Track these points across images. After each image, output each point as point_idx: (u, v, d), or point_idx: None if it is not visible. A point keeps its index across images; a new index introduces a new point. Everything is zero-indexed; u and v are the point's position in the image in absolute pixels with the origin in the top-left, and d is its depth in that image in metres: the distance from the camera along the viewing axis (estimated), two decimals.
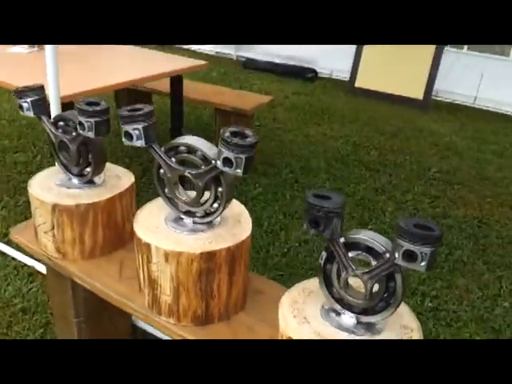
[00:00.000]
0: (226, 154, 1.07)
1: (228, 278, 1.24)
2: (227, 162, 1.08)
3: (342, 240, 1.05)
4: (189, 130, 3.05)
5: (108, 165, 1.54)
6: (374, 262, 1.03)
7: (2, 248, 2.26)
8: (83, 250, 1.48)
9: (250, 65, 6.02)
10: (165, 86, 2.74)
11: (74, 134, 1.42)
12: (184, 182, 1.25)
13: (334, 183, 3.19)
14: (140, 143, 1.18)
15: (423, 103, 4.85)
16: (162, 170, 1.26)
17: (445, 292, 2.23)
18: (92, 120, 1.29)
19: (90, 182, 1.51)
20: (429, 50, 4.76)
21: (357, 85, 5.19)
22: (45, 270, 2.10)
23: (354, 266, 1.04)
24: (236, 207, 1.36)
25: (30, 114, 1.45)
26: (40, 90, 1.45)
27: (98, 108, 1.29)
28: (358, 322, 1.08)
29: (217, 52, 6.61)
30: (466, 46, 4.89)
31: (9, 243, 2.28)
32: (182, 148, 1.21)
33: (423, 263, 0.92)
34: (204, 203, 1.24)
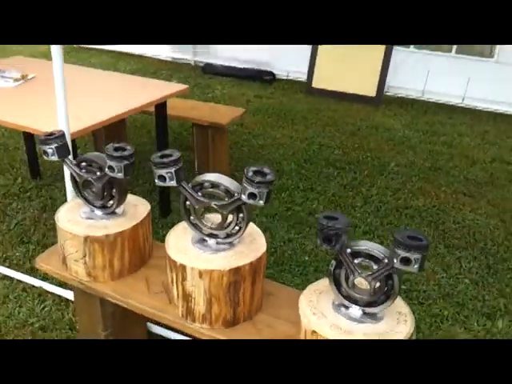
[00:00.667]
0: (251, 189, 1.31)
1: (251, 287, 1.49)
2: (252, 195, 1.33)
3: (348, 251, 1.32)
4: (171, 146, 3.22)
5: None
6: (375, 266, 1.31)
7: (8, 272, 2.38)
8: (112, 273, 1.68)
9: (209, 70, 6.20)
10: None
11: (98, 173, 1.61)
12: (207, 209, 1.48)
13: (305, 183, 3.47)
14: (172, 183, 1.40)
15: (376, 99, 5.23)
16: (188, 202, 1.48)
17: (414, 275, 2.57)
18: (121, 164, 1.49)
19: (113, 213, 1.70)
20: (379, 49, 5.14)
21: (314, 85, 5.50)
22: (52, 289, 2.28)
23: (359, 270, 1.32)
24: (249, 227, 1.60)
25: (55, 158, 1.62)
26: (62, 136, 1.63)
27: (126, 153, 1.50)
28: (364, 313, 1.36)
29: (174, 58, 6.73)
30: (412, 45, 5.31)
31: (11, 267, 2.41)
32: (207, 184, 1.44)
33: (416, 266, 1.21)
34: (227, 227, 1.48)
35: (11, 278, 2.35)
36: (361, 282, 1.35)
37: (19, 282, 2.33)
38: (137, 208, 1.76)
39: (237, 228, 1.47)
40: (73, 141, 2.07)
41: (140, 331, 2.02)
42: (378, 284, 1.31)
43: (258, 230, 1.60)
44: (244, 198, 1.34)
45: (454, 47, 5.17)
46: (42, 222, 2.81)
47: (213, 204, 1.43)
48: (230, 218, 1.46)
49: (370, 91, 5.26)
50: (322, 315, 1.35)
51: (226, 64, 6.20)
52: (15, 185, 3.23)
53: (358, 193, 3.37)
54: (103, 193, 1.65)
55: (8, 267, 2.42)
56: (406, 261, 1.22)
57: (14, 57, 3.37)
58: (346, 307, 1.38)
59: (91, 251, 1.62)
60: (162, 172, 1.38)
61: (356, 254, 1.32)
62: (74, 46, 7.26)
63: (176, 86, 2.78)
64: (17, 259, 2.49)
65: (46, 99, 2.20)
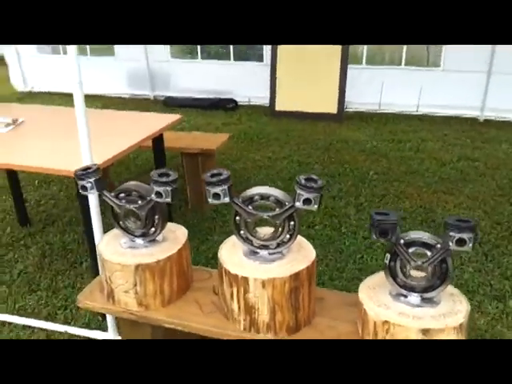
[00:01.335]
0: (306, 195, 1.39)
1: (308, 291, 1.55)
2: (307, 201, 1.41)
3: (402, 241, 1.42)
4: None
5: None
6: (429, 253, 1.41)
7: (27, 322, 2.29)
8: (163, 299, 1.68)
9: (171, 102, 6.27)
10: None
11: (140, 202, 1.63)
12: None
13: None
14: (226, 200, 1.46)
15: (338, 116, 5.50)
16: (237, 217, 1.53)
17: None
18: (169, 188, 1.53)
19: (154, 241, 1.72)
20: (335, 67, 5.44)
21: (277, 108, 5.71)
22: (78, 332, 2.22)
23: (415, 259, 1.42)
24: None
25: (94, 192, 1.63)
26: (98, 170, 1.65)
27: (171, 178, 1.54)
28: (422, 299, 1.45)
29: (132, 94, 6.76)
30: (364, 62, 5.66)
31: (27, 315, 2.32)
32: (257, 197, 1.50)
33: (470, 245, 1.33)
34: (279, 236, 1.54)
35: (31, 328, 2.26)
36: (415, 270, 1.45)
37: (41, 329, 2.25)
38: (175, 233, 1.79)
39: (288, 236, 1.54)
40: None
41: None
42: (433, 269, 1.42)
43: (301, 237, 1.68)
44: (299, 204, 1.42)
45: (403, 60, 5.57)
46: (45, 268, 2.72)
47: (265, 216, 1.49)
48: (281, 227, 1.52)
49: (332, 108, 5.53)
50: (385, 306, 1.44)
51: (186, 95, 6.31)
52: (5, 235, 3.11)
53: (348, 202, 3.52)
54: (146, 221, 1.66)
55: (25, 317, 2.33)
56: (460, 242, 1.33)
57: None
58: (405, 296, 1.47)
59: (142, 280, 1.62)
60: (217, 190, 1.44)
61: (410, 244, 1.43)
62: (27, 91, 7.13)
63: (169, 117, 2.83)
64: (31, 308, 2.40)
65: (43, 139, 2.20)
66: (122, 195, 1.67)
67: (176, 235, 1.77)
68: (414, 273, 1.47)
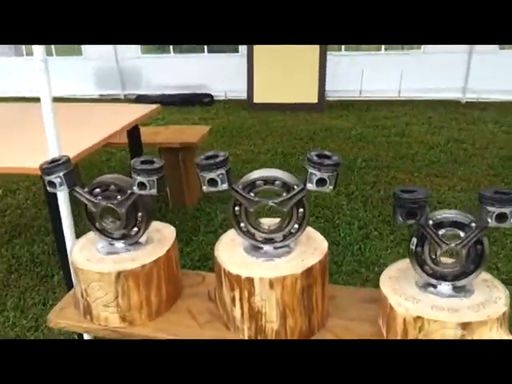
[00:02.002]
0: (320, 175, 1.18)
1: (321, 289, 1.34)
2: (321, 182, 1.19)
3: (430, 223, 1.23)
4: None
5: None
6: (462, 234, 1.22)
7: None
8: (151, 312, 1.44)
9: (143, 100, 5.98)
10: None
11: (119, 197, 1.39)
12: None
13: None
14: (224, 187, 1.23)
15: (319, 105, 5.33)
16: (237, 208, 1.31)
17: None
18: (154, 178, 1.29)
19: (137, 243, 1.48)
20: (314, 56, 5.26)
21: (256, 101, 5.50)
22: None
23: (447, 242, 1.22)
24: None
25: (64, 189, 1.38)
26: (68, 161, 1.40)
27: (156, 165, 1.30)
28: (454, 288, 1.26)
29: (102, 95, 6.44)
30: (343, 48, 5.51)
31: None
32: (259, 182, 1.28)
33: (511, 220, 1.14)
34: (286, 227, 1.32)
35: None
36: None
37: None
38: (161, 232, 1.55)
39: (296, 226, 1.32)
40: None
41: None
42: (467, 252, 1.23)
43: (308, 226, 1.47)
44: (311, 186, 1.21)
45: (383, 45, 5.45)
46: (12, 285, 2.44)
47: (271, 203, 1.28)
48: (288, 216, 1.31)
49: (313, 98, 5.35)
50: (414, 300, 1.24)
51: (160, 93, 6.03)
52: None
53: (339, 192, 3.34)
54: (127, 219, 1.42)
55: None
56: (501, 217, 1.15)
57: None
58: (434, 286, 1.27)
59: (125, 290, 1.38)
60: (213, 175, 1.21)
61: (439, 225, 1.23)
62: None
63: (145, 107, 2.58)
64: None
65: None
66: (98, 191, 1.42)
67: (162, 235, 1.54)
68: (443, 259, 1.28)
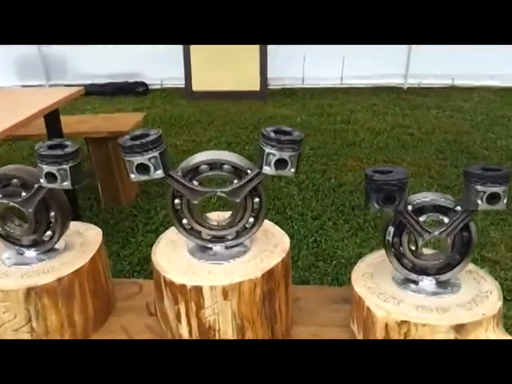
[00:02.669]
0: (279, 155, 0.95)
1: (285, 293, 1.12)
2: (280, 163, 0.96)
3: (409, 208, 1.03)
4: None
5: None
6: (445, 219, 1.04)
7: None
8: (75, 334, 1.15)
9: None
10: (32, 129, 2.29)
11: (24, 194, 1.09)
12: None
13: None
14: (159, 174, 0.97)
15: (261, 93, 5.12)
16: (177, 201, 1.05)
17: (381, 247, 2.41)
18: (66, 166, 1.00)
19: (52, 250, 1.18)
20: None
21: (194, 89, 5.19)
22: None
23: (429, 230, 1.04)
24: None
25: None
26: None
27: (69, 150, 1.01)
28: (438, 283, 1.08)
29: (23, 85, 5.85)
30: None
31: None
32: (203, 167, 1.03)
33: (505, 201, 0.97)
34: (239, 221, 1.08)
35: None
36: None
37: None
38: (83, 235, 1.26)
39: (251, 220, 1.08)
40: None
41: None
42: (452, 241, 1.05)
43: (266, 220, 1.23)
44: (268, 169, 0.98)
45: None
46: None
47: (219, 192, 1.03)
48: (242, 208, 1.07)
49: (254, 86, 5.13)
50: (395, 300, 1.04)
51: (89, 82, 5.56)
52: None
53: (288, 182, 3.15)
54: (36, 222, 1.12)
55: None
56: (492, 198, 0.97)
57: None
58: (415, 282, 1.09)
59: (39, 310, 1.08)
60: (143, 159, 0.94)
61: (419, 211, 1.04)
62: None
63: (66, 90, 2.23)
64: None
65: None
66: None
67: (85, 238, 1.24)
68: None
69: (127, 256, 2.47)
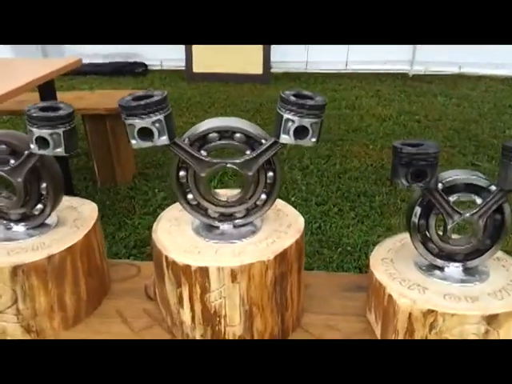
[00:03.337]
0: (300, 121, 0.85)
1: (297, 278, 1.02)
2: (301, 131, 0.86)
3: (440, 186, 0.93)
4: None
5: None
6: (478, 200, 0.94)
7: None
8: (66, 318, 1.06)
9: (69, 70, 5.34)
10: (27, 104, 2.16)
11: (12, 161, 0.98)
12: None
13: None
14: (163, 140, 0.86)
15: (264, 77, 4.99)
16: (182, 173, 0.95)
17: (388, 234, 2.32)
18: (60, 130, 0.89)
19: (43, 225, 1.08)
20: None
21: (195, 70, 5.05)
22: None
23: (460, 211, 0.94)
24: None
25: None
26: None
27: (63, 112, 0.90)
28: (465, 269, 0.99)
29: None
30: None
31: None
32: (213, 135, 0.92)
33: None
34: (250, 198, 0.98)
35: None
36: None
37: None
38: (77, 210, 1.16)
39: (263, 197, 0.98)
40: None
41: None
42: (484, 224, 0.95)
43: (278, 199, 1.13)
44: (287, 138, 0.87)
45: None
46: None
47: (229, 164, 0.92)
48: (253, 183, 0.97)
49: (257, 69, 5.00)
50: (420, 287, 0.95)
51: (87, 62, 5.40)
52: None
53: (292, 166, 3.05)
54: (26, 193, 1.01)
55: None
56: None
57: None
58: (440, 268, 0.99)
59: (26, 290, 0.99)
60: (146, 123, 0.84)
61: (450, 190, 0.95)
62: None
63: (61, 60, 2.10)
64: None
65: None
66: None
67: (80, 214, 1.15)
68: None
69: (123, 238, 2.38)
